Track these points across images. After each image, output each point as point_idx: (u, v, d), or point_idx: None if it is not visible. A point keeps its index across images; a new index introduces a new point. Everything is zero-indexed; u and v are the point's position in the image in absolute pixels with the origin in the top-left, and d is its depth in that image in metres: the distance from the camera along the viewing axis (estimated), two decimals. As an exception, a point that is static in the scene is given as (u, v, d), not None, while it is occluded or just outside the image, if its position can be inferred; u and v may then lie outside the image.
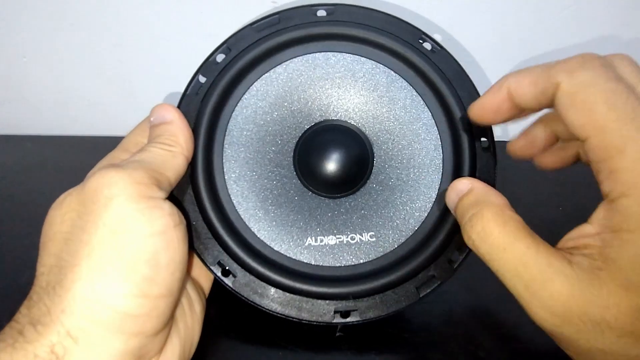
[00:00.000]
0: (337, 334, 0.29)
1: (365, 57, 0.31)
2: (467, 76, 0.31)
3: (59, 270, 0.23)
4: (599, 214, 0.23)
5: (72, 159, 0.48)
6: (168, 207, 0.25)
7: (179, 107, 0.31)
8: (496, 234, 0.24)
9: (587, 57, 0.24)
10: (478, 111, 0.28)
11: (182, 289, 0.27)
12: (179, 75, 0.48)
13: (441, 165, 0.30)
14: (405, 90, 0.31)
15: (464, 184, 0.27)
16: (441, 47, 0.31)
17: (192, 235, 0.29)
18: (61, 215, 0.24)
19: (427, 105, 0.31)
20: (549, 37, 0.48)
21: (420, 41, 0.31)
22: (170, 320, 0.26)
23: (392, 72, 0.31)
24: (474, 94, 0.31)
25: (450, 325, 0.33)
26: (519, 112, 0.27)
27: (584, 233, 0.24)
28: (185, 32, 0.47)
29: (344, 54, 0.31)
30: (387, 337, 0.32)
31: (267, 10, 0.46)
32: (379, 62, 0.31)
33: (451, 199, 0.28)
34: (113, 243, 0.23)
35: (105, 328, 0.22)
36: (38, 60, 0.50)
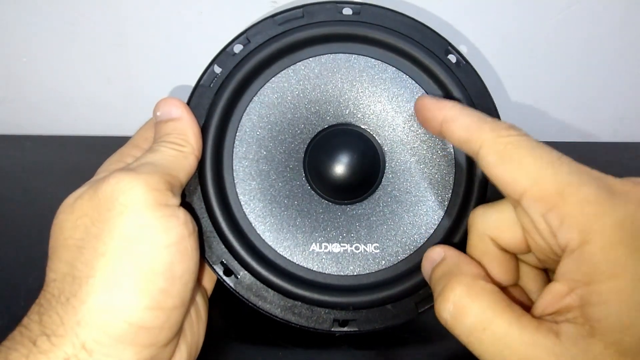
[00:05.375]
0: (337, 334, 0.30)
1: (388, 63, 0.30)
2: (489, 95, 0.30)
3: (72, 280, 0.22)
4: (565, 268, 0.21)
5: (72, 159, 0.48)
6: (183, 215, 0.24)
7: (191, 97, 0.30)
8: (471, 312, 0.21)
9: (511, 124, 0.24)
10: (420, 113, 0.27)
11: (193, 298, 0.27)
12: (179, 75, 0.48)
13: (452, 184, 0.30)
14: None
15: (437, 253, 0.26)
16: (466, 61, 0.30)
17: (204, 243, 0.29)
18: (73, 220, 0.23)
19: None
20: (549, 37, 0.48)
21: (446, 53, 0.30)
22: (180, 329, 0.26)
23: (415, 83, 0.30)
24: (494, 113, 0.30)
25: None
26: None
27: (557, 293, 0.21)
28: (185, 32, 0.47)
29: (367, 57, 0.30)
30: (387, 336, 0.32)
31: (267, 10, 0.45)
32: (402, 71, 0.30)
33: (425, 269, 0.26)
34: (129, 254, 0.22)
35: (118, 340, 0.22)
36: (38, 60, 0.49)
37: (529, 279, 0.26)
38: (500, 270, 0.25)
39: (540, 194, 0.21)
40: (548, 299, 0.22)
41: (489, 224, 0.25)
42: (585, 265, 0.20)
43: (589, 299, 0.20)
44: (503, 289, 0.24)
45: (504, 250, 0.25)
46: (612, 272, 0.20)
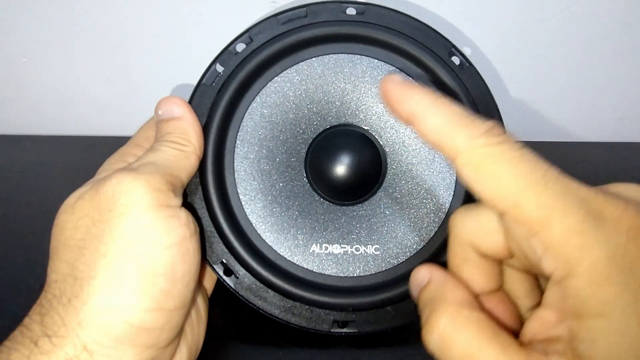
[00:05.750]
0: (337, 335, 0.30)
1: (391, 64, 0.30)
2: (492, 97, 0.30)
3: (74, 281, 0.22)
4: (552, 296, 0.20)
5: (72, 159, 0.48)
6: (184, 216, 0.24)
7: (193, 95, 0.29)
8: (456, 344, 0.20)
9: (490, 124, 0.21)
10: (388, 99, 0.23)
11: (194, 298, 0.27)
12: (179, 75, 0.48)
13: (453, 186, 0.30)
14: None
15: (422, 275, 0.24)
16: (470, 63, 0.30)
17: (205, 244, 0.29)
18: (74, 220, 0.23)
19: None
20: (549, 37, 0.48)
21: (450, 55, 0.30)
22: (181, 330, 0.26)
23: None
24: (497, 116, 0.30)
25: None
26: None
27: (546, 321, 0.20)
28: (185, 32, 0.47)
29: (370, 58, 0.30)
30: (388, 336, 0.32)
31: (267, 11, 0.45)
32: (405, 72, 0.30)
33: (412, 292, 0.25)
34: (131, 255, 0.22)
35: (119, 341, 0.22)
36: (38, 60, 0.49)
37: (514, 283, 0.25)
38: (481, 277, 0.23)
39: (523, 219, 0.20)
40: (537, 326, 0.21)
41: (469, 231, 0.23)
42: (572, 299, 0.19)
43: (578, 333, 0.19)
44: (486, 296, 0.23)
45: (486, 256, 0.23)
46: (601, 310, 0.19)
